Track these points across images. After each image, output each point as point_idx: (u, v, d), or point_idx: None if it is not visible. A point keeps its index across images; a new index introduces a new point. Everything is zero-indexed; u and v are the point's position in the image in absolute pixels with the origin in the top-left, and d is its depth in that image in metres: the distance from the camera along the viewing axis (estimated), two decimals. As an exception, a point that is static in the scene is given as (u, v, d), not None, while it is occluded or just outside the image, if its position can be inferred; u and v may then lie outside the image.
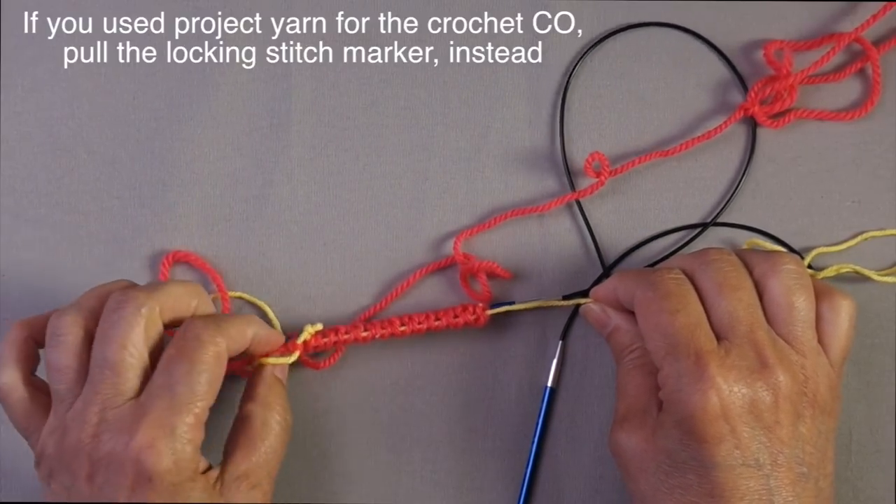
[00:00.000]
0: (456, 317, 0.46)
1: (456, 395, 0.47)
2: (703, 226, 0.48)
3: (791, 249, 0.47)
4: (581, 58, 0.49)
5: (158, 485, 0.37)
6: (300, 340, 0.44)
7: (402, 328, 0.46)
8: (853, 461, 0.46)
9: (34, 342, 0.42)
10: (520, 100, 0.49)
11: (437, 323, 0.46)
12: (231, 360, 0.41)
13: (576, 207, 0.48)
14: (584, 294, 0.46)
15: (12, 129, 0.49)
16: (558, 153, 0.48)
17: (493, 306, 0.46)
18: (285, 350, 0.44)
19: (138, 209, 0.48)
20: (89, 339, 0.40)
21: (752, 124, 0.48)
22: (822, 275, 0.46)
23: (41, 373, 0.42)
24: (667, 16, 0.49)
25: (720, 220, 0.48)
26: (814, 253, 0.47)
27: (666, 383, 0.38)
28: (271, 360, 0.44)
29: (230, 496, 0.40)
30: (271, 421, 0.42)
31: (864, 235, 0.47)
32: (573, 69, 0.49)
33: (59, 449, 0.39)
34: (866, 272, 0.46)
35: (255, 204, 0.48)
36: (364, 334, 0.45)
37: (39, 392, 0.41)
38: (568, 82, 0.49)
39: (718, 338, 0.39)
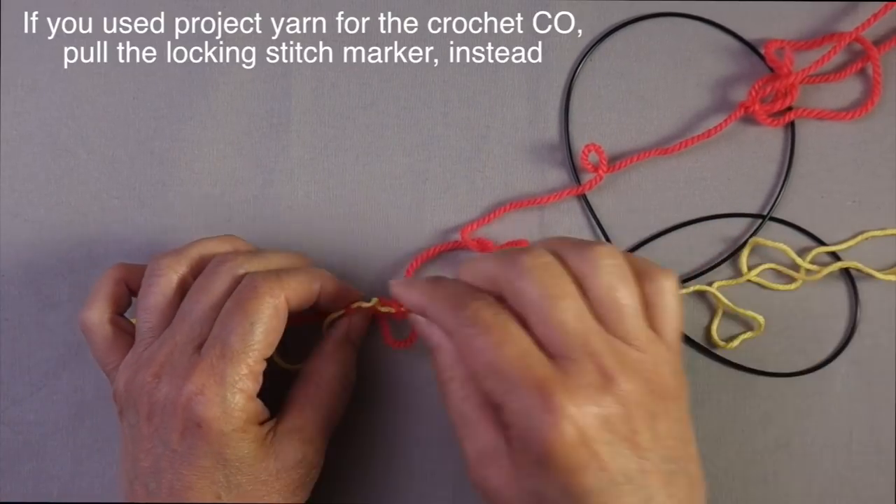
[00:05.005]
0: None
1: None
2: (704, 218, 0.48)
3: (821, 243, 0.47)
4: (586, 55, 0.49)
5: (207, 432, 0.38)
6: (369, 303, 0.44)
7: None
8: (853, 461, 0.46)
9: (126, 286, 0.43)
10: (520, 100, 0.49)
11: None
12: (304, 314, 0.43)
13: (577, 205, 0.48)
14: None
15: (12, 129, 0.49)
16: (558, 152, 0.49)
17: None
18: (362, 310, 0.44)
19: (138, 209, 0.48)
20: (182, 286, 0.42)
21: (792, 125, 0.48)
22: (825, 272, 0.46)
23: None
24: (667, 15, 0.49)
25: (719, 214, 0.48)
26: (813, 252, 0.47)
27: (515, 422, 0.35)
28: (334, 315, 0.44)
29: (280, 448, 0.40)
30: (330, 378, 0.42)
31: (864, 235, 0.47)
32: (578, 66, 0.49)
33: (127, 386, 0.40)
34: (868, 270, 0.46)
35: (255, 204, 0.48)
36: None
37: (123, 332, 0.43)
38: (573, 79, 0.49)
39: (553, 356, 0.36)
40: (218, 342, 0.39)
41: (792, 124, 0.48)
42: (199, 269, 0.42)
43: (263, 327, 0.39)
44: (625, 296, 0.37)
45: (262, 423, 0.40)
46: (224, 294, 0.41)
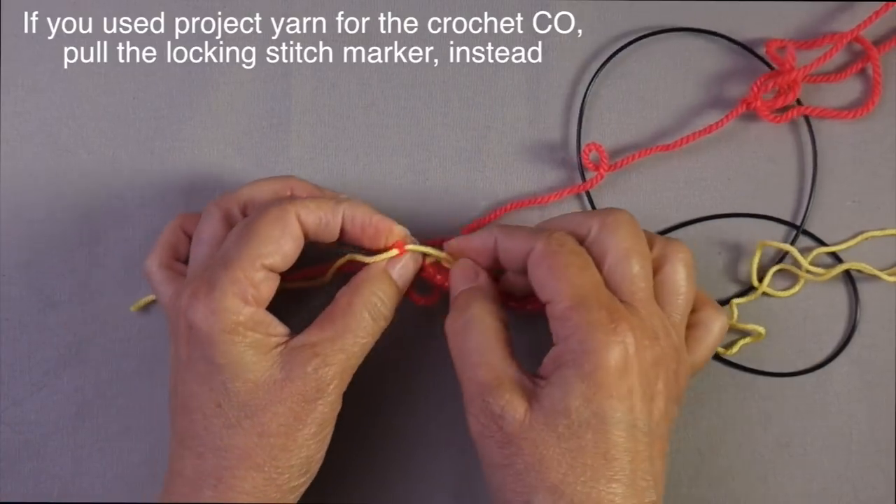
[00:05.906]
0: None
1: (456, 395, 0.47)
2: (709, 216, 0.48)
3: (821, 243, 0.47)
4: (596, 64, 0.49)
5: (198, 333, 0.39)
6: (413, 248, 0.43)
7: None
8: (853, 461, 0.46)
9: (184, 233, 0.45)
10: (520, 100, 0.49)
11: None
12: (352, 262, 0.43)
13: (577, 205, 0.48)
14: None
15: (12, 129, 0.49)
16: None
17: None
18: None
19: (138, 209, 0.48)
20: (228, 220, 0.43)
21: (808, 122, 0.48)
22: (830, 274, 0.46)
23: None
24: (666, 17, 0.49)
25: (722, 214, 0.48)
26: (814, 252, 0.47)
27: (574, 334, 0.37)
28: (382, 255, 0.42)
29: (288, 359, 0.39)
30: (357, 303, 0.41)
31: (864, 235, 0.47)
32: (592, 80, 0.49)
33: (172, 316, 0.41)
34: (872, 271, 0.46)
35: (255, 204, 0.48)
36: None
37: (180, 276, 0.44)
38: (589, 85, 0.49)
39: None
40: (220, 254, 0.40)
41: (808, 121, 0.48)
42: (250, 205, 0.43)
43: (261, 235, 0.39)
44: (689, 290, 0.40)
45: (270, 336, 0.40)
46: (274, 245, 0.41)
